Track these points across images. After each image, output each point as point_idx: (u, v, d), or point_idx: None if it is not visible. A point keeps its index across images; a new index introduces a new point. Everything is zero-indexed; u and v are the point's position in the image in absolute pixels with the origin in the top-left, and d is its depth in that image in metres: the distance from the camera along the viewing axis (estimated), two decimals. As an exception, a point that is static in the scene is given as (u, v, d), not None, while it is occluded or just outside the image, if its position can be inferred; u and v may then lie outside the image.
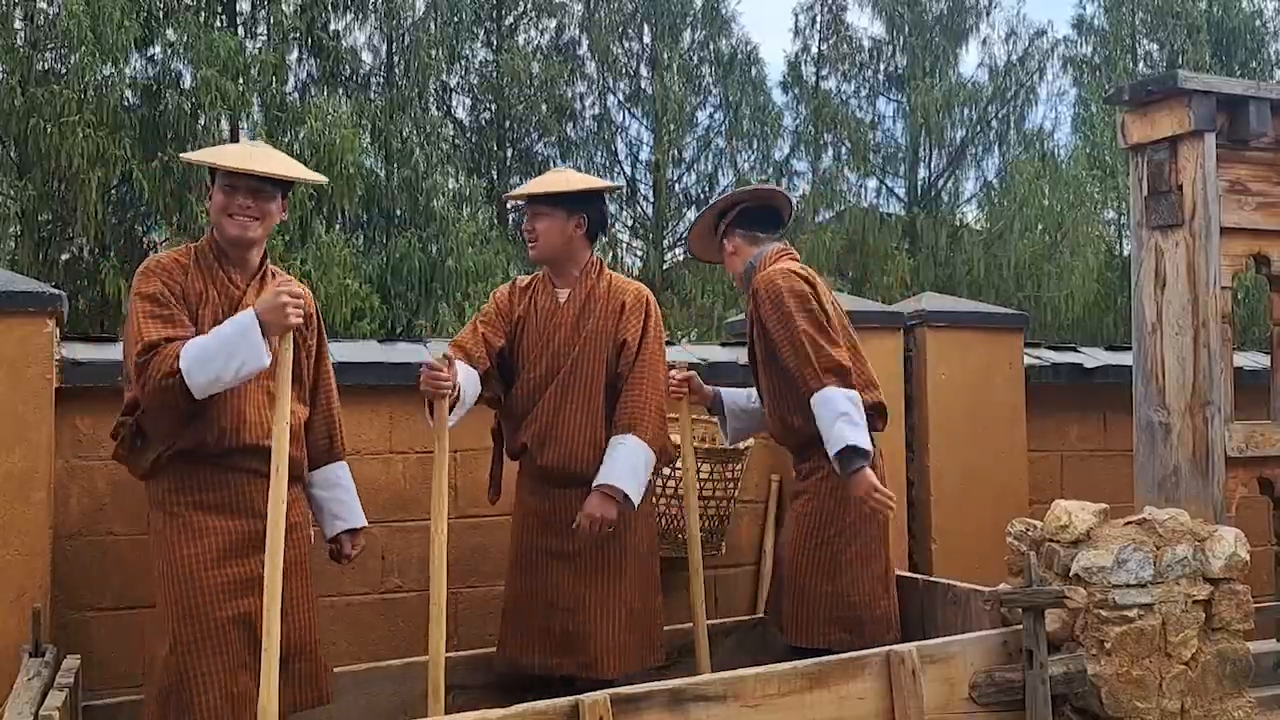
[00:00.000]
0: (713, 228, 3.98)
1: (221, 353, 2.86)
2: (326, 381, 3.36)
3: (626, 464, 3.43)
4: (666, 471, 4.13)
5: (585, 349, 3.55)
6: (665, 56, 19.22)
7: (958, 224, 20.47)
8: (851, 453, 3.42)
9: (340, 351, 4.24)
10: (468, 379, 3.38)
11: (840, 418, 3.44)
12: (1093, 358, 5.54)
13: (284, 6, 15.56)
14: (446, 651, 3.56)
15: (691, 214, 20.19)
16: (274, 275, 3.20)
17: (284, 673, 2.92)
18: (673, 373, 3.77)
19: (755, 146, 19.64)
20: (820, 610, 3.64)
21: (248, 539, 3.04)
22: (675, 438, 3.85)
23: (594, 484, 3.42)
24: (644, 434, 3.47)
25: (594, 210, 3.69)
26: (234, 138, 15.09)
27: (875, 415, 3.70)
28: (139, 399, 2.94)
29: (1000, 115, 20.56)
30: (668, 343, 4.59)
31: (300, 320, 2.93)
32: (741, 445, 4.33)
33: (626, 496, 3.42)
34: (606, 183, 3.90)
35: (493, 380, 3.59)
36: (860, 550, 3.66)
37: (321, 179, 3.52)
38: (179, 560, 3.00)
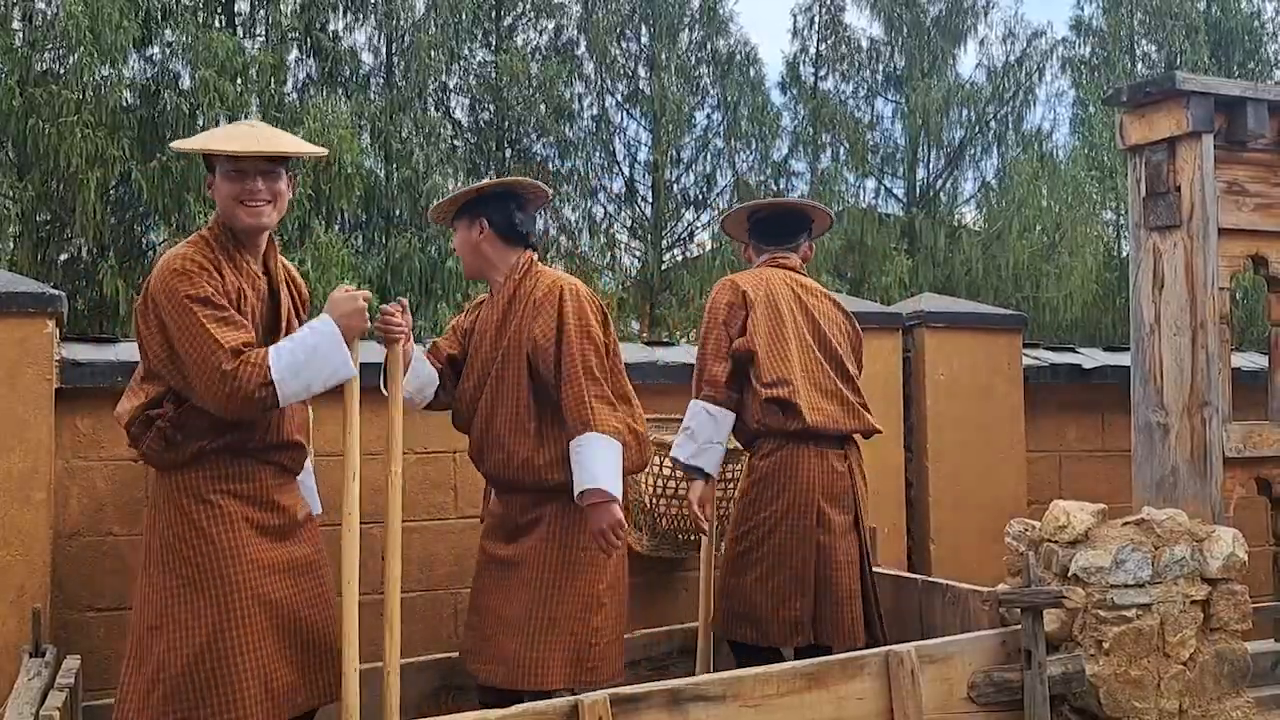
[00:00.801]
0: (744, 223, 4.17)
1: (312, 363, 2.85)
2: None
3: (597, 463, 3.25)
4: (667, 471, 4.14)
5: (508, 355, 3.40)
6: (663, 57, 19.20)
7: (956, 224, 20.45)
8: (684, 468, 3.84)
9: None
10: (420, 361, 3.43)
11: (684, 431, 3.84)
12: (1091, 358, 5.55)
13: (283, 7, 15.56)
14: (444, 653, 3.57)
15: (690, 214, 20.21)
16: (281, 262, 3.16)
17: (322, 668, 2.96)
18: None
19: (754, 147, 19.61)
20: (732, 607, 3.79)
21: (281, 531, 3.02)
22: (657, 434, 3.95)
23: (576, 495, 3.25)
24: (600, 427, 3.27)
25: (492, 212, 3.51)
26: (233, 138, 15.06)
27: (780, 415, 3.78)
28: (217, 406, 2.81)
29: (999, 116, 20.55)
30: (666, 343, 4.61)
31: (370, 325, 2.96)
32: (734, 445, 4.34)
33: (615, 496, 3.25)
34: (488, 181, 3.68)
35: (446, 386, 3.55)
36: (770, 550, 3.74)
37: (323, 151, 3.48)
38: (226, 552, 2.90)
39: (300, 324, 3.13)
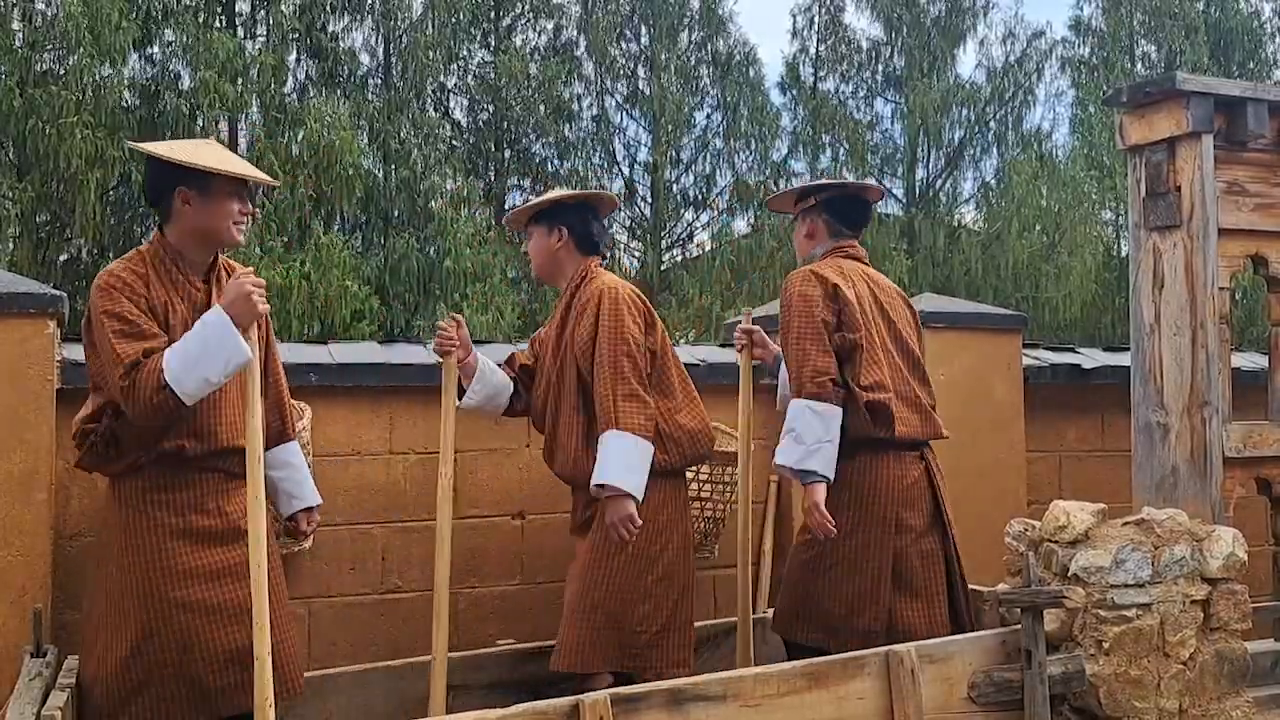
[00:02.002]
0: (795, 201, 3.94)
1: (204, 356, 2.86)
2: (275, 365, 3.36)
3: (612, 459, 3.38)
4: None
5: (564, 360, 3.60)
6: (663, 57, 19.23)
7: (956, 224, 20.49)
8: (793, 474, 3.53)
9: (340, 353, 4.25)
10: (491, 371, 3.69)
11: (788, 434, 3.50)
12: (1091, 358, 5.55)
13: (283, 8, 15.58)
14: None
15: (689, 215, 20.23)
16: (227, 270, 3.19)
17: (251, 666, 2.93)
18: (739, 321, 3.79)
19: (753, 147, 19.64)
20: (797, 606, 3.67)
21: (218, 536, 3.03)
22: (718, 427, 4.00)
23: (592, 490, 3.44)
24: (622, 424, 3.39)
25: (573, 220, 3.69)
26: (232, 138, 15.09)
27: (879, 423, 3.62)
28: (131, 414, 2.90)
29: (998, 116, 20.59)
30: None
31: (267, 307, 2.95)
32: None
33: (627, 491, 3.36)
34: (569, 192, 3.82)
35: (522, 394, 3.81)
36: (845, 556, 3.59)
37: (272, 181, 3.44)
38: (150, 559, 2.97)
39: (259, 332, 3.14)
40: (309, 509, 3.38)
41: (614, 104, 19.74)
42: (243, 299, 2.88)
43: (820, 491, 3.46)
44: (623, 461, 3.37)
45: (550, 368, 3.66)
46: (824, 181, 4.00)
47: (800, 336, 3.55)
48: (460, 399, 3.63)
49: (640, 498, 3.39)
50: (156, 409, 2.86)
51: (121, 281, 2.98)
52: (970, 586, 3.75)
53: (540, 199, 3.77)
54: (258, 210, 14.16)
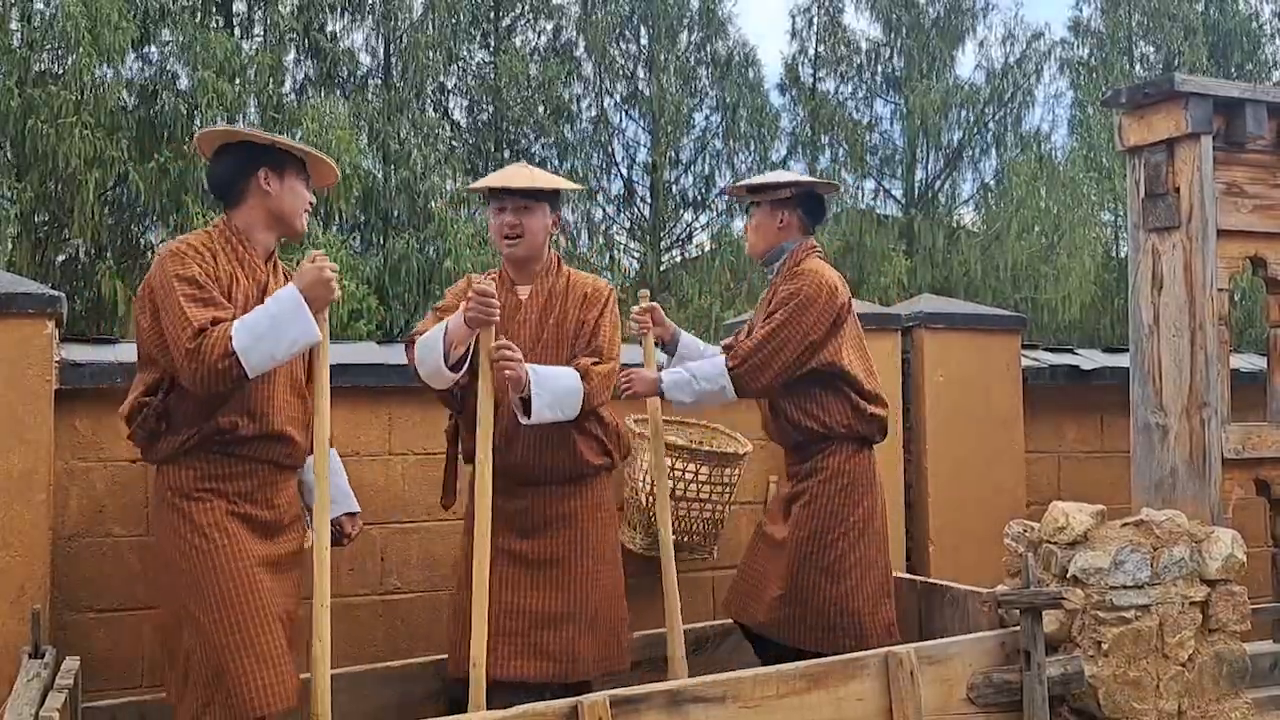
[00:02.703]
0: (749, 191, 3.99)
1: (273, 330, 2.88)
2: (320, 369, 3.36)
3: (551, 373, 3.37)
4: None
5: (550, 343, 3.51)
6: (662, 58, 19.23)
7: (955, 225, 20.48)
8: (662, 386, 3.72)
9: (339, 353, 4.24)
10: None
11: (689, 383, 3.70)
12: (1090, 359, 5.55)
13: (281, 8, 15.57)
14: (443, 654, 3.57)
15: (689, 215, 20.21)
16: (276, 261, 3.23)
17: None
18: (636, 307, 3.79)
19: (752, 148, 19.64)
20: (824, 615, 3.63)
21: (270, 527, 3.06)
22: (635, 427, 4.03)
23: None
24: (582, 372, 3.41)
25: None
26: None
27: (875, 429, 3.82)
28: (190, 382, 2.88)
29: (997, 117, 20.58)
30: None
31: (339, 293, 2.99)
32: (740, 450, 4.34)
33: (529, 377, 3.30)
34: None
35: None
36: (863, 555, 3.68)
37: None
38: (211, 548, 2.95)
39: None
40: (351, 514, 3.43)
41: (613, 104, 19.74)
42: (320, 283, 2.93)
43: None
44: (560, 383, 3.46)
45: (524, 350, 3.43)
46: (804, 177, 4.02)
47: (779, 330, 3.66)
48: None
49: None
50: (220, 376, 2.85)
51: (193, 249, 3.00)
52: (970, 588, 3.76)
53: (561, 183, 3.69)
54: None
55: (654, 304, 3.93)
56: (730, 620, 4.06)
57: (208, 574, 2.94)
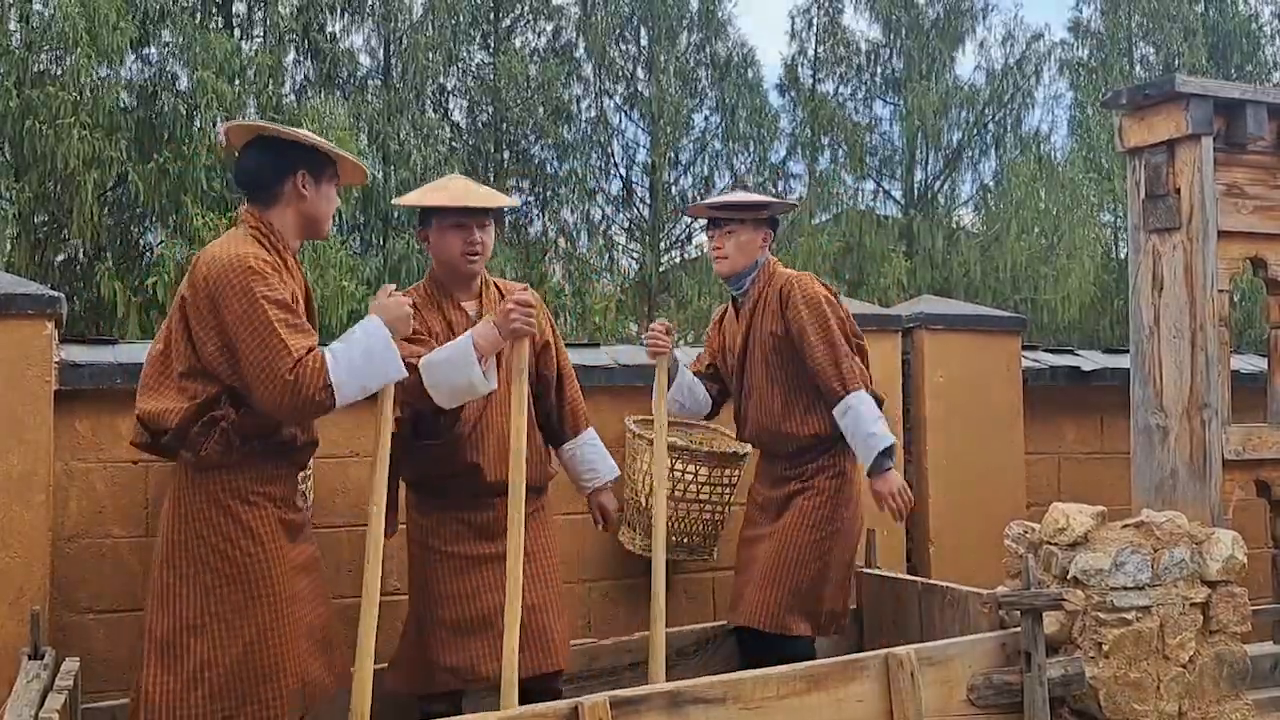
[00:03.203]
0: (751, 209, 4.01)
1: (368, 366, 2.88)
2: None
3: (606, 454, 3.80)
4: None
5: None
6: (662, 59, 19.22)
7: (954, 226, 20.47)
8: (889, 452, 3.75)
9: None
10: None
11: (879, 419, 3.76)
12: (1090, 360, 5.55)
13: (280, 8, 15.56)
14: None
15: (688, 216, 20.20)
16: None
17: (333, 661, 3.07)
18: (654, 326, 3.81)
19: (752, 149, 19.63)
20: (790, 599, 3.76)
21: (298, 529, 3.08)
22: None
23: (600, 486, 3.76)
24: (590, 422, 3.78)
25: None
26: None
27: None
28: (278, 409, 2.81)
29: (997, 118, 20.57)
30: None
31: (412, 327, 3.08)
32: (741, 451, 4.34)
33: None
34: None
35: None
36: (841, 552, 3.87)
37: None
38: (268, 550, 2.93)
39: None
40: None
41: (613, 105, 19.73)
42: (403, 320, 2.99)
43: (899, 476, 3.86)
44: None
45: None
46: (773, 200, 4.19)
47: (838, 337, 3.80)
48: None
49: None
50: (317, 407, 2.82)
51: (271, 266, 2.89)
52: (970, 589, 3.76)
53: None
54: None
55: (670, 324, 3.96)
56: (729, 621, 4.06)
57: (262, 579, 2.91)
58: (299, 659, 2.96)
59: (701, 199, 20.01)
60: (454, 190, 3.55)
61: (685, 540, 4.27)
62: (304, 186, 3.04)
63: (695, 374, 4.07)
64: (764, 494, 3.99)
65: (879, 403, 3.84)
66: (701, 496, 4.25)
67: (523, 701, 3.31)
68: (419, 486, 3.56)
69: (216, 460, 2.88)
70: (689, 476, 4.20)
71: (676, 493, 4.14)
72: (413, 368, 3.27)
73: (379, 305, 2.99)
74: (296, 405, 2.79)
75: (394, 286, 3.09)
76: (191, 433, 2.85)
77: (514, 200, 3.89)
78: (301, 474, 3.41)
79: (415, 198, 3.66)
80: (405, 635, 3.59)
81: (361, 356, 2.87)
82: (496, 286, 3.66)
